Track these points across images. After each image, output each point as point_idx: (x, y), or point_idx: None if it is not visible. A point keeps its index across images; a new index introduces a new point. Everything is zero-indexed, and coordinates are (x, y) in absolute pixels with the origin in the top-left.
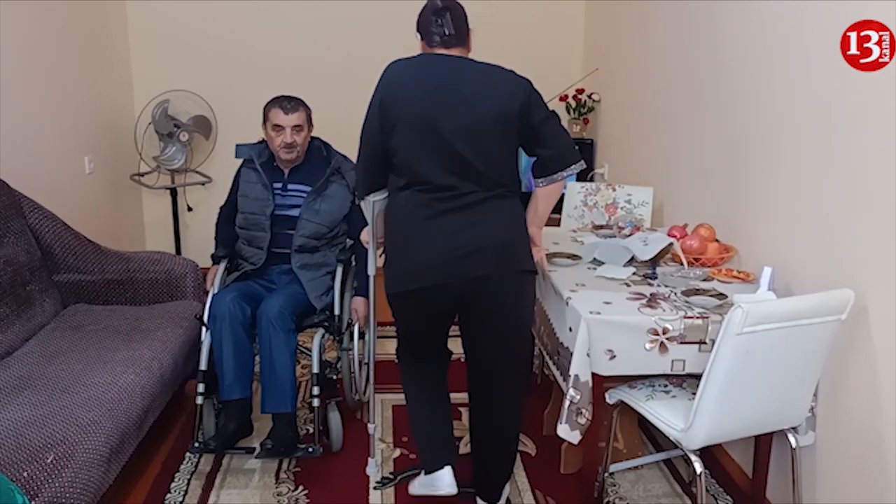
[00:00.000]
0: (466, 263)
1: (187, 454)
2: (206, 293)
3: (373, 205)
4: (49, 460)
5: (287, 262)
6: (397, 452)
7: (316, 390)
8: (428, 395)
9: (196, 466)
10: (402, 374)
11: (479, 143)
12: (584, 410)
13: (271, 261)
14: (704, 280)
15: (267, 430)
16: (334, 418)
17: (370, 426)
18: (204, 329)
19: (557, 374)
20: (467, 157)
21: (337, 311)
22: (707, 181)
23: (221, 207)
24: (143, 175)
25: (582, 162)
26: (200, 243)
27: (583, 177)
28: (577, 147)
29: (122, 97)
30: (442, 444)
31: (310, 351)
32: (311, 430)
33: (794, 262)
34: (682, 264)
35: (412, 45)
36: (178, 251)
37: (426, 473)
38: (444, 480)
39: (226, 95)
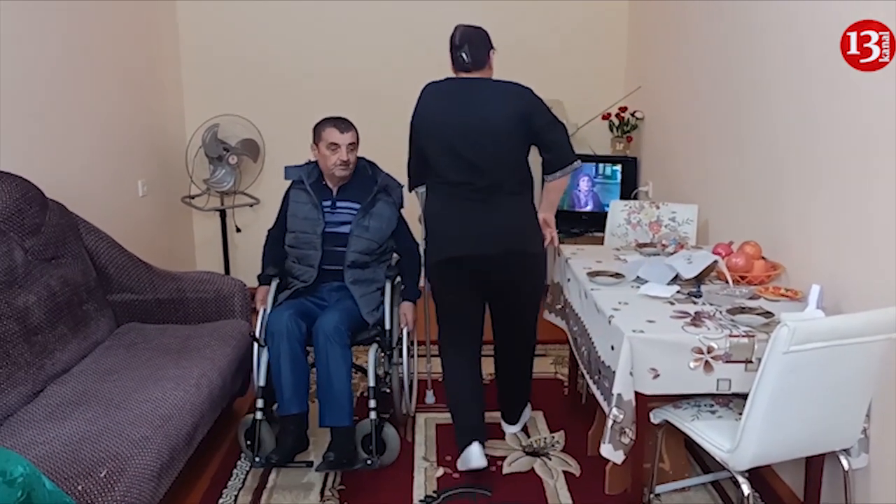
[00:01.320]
0: (479, 244)
1: (234, 471)
2: (255, 312)
3: (421, 195)
4: (102, 475)
5: (337, 278)
6: (441, 471)
7: (372, 403)
8: (462, 380)
9: (243, 482)
10: (442, 359)
11: (488, 149)
12: (627, 430)
13: (322, 278)
14: (751, 298)
15: (319, 443)
16: (391, 433)
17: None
18: (256, 346)
19: (598, 393)
20: (476, 162)
21: (387, 326)
22: (752, 198)
23: (270, 230)
24: (193, 197)
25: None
26: (248, 263)
27: (626, 195)
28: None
29: (174, 122)
30: (471, 425)
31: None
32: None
33: (843, 280)
34: (727, 282)
35: (444, 70)
36: (227, 271)
37: (460, 451)
38: (473, 454)
39: (273, 119)
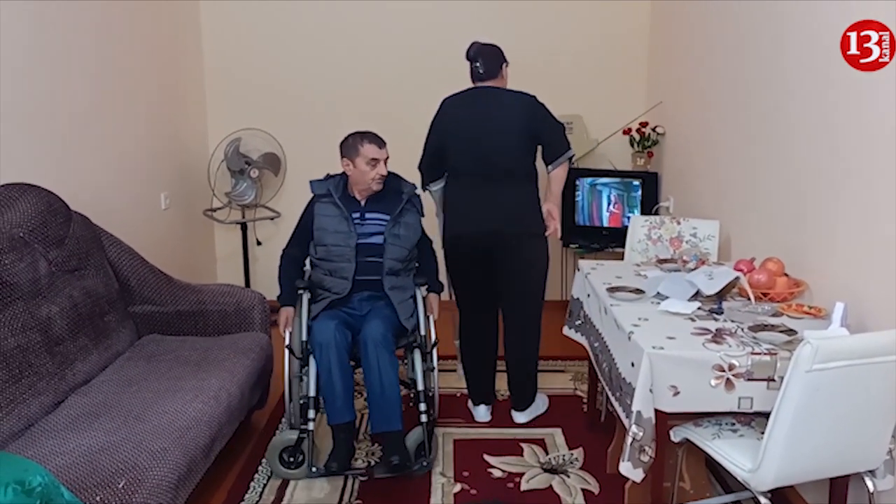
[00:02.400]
0: (486, 222)
1: (251, 483)
2: (277, 327)
3: (433, 193)
4: (121, 486)
5: (367, 288)
6: (458, 487)
7: (423, 406)
8: (475, 350)
9: (260, 496)
10: (459, 329)
11: (499, 145)
12: (647, 448)
13: (354, 288)
14: (773, 315)
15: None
16: (438, 439)
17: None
18: (288, 358)
19: (619, 410)
20: (490, 156)
21: (423, 332)
22: (775, 213)
23: (285, 251)
24: (215, 210)
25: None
26: (269, 276)
27: (647, 210)
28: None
29: (197, 137)
30: (480, 391)
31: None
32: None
33: (868, 298)
34: (749, 299)
35: (461, 84)
36: (248, 284)
37: (473, 404)
38: (479, 412)
39: (294, 133)
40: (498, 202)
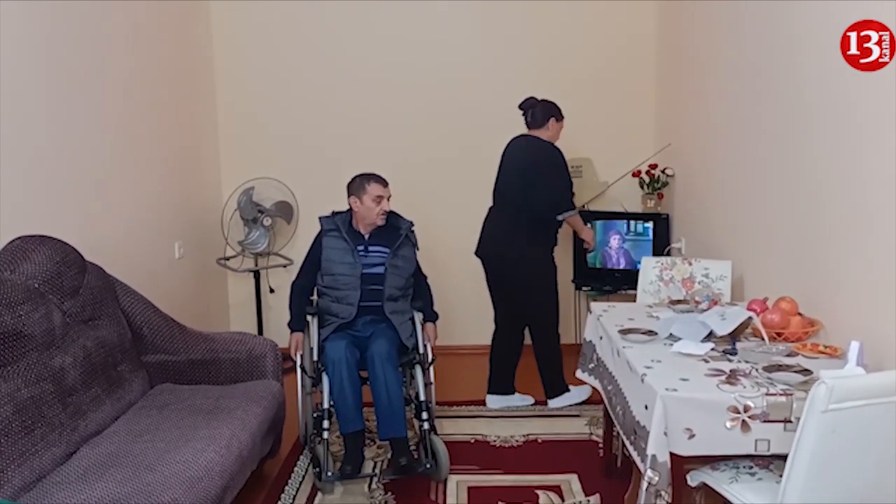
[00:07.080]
0: (490, 244)
1: None
2: (291, 361)
3: None
4: None
5: (370, 313)
6: None
7: (425, 415)
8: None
9: None
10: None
11: (508, 182)
12: (663, 493)
13: (358, 313)
14: (788, 355)
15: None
16: (440, 446)
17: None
18: (300, 377)
19: (635, 454)
20: (501, 190)
21: (422, 350)
22: (788, 253)
23: (296, 282)
24: (228, 259)
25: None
26: (281, 324)
27: (659, 252)
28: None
29: (210, 186)
30: (492, 381)
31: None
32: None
33: (884, 336)
34: (763, 339)
35: (472, 134)
36: (260, 331)
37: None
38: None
39: (306, 182)
40: (498, 229)
